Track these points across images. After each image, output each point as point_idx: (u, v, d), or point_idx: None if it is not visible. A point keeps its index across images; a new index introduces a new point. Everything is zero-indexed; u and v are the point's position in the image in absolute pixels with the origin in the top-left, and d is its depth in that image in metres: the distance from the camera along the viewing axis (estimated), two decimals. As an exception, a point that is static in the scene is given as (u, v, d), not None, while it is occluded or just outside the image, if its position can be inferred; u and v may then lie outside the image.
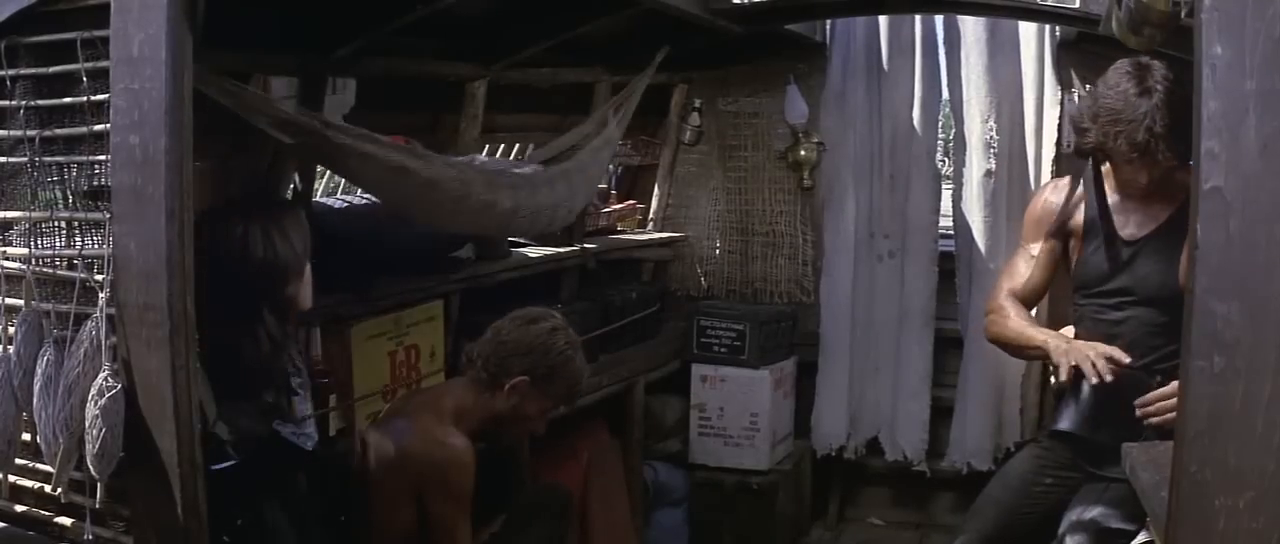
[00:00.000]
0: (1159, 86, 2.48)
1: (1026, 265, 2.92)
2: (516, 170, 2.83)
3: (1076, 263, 2.83)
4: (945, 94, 4.35)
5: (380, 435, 2.68)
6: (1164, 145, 2.46)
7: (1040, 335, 2.78)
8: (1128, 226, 2.73)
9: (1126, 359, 2.56)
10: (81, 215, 1.97)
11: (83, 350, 1.89)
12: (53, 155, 1.99)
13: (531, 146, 3.86)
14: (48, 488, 1.99)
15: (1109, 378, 2.54)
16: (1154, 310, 2.64)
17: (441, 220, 2.75)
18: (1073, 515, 2.70)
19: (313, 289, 2.39)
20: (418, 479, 2.57)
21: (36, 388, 1.93)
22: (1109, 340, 2.63)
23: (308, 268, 2.34)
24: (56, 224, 2.00)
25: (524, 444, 3.50)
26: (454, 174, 2.62)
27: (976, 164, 4.20)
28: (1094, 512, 2.66)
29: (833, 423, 4.48)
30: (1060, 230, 2.87)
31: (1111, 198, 2.76)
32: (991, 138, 4.16)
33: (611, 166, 4.94)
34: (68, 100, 1.95)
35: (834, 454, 4.50)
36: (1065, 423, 2.81)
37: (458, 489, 2.57)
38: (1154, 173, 2.55)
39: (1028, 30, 4.17)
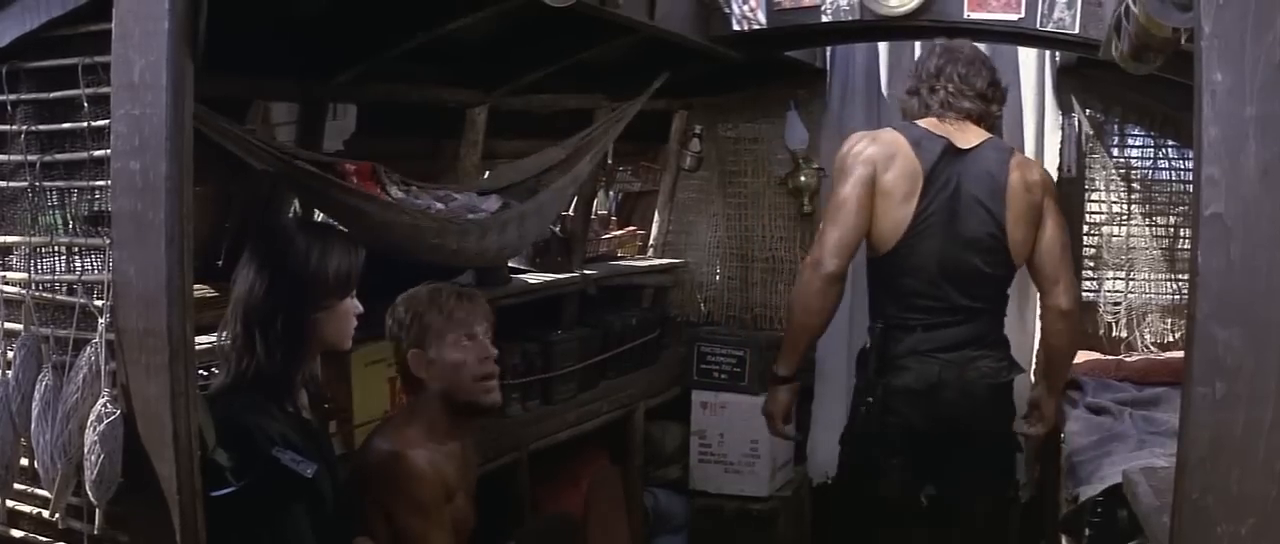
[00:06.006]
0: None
1: None
2: (470, 216, 2.86)
3: None
4: (945, 120, 4.34)
5: (354, 461, 2.67)
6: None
7: None
8: None
9: None
10: (81, 240, 1.97)
11: (82, 375, 1.89)
12: (53, 180, 1.98)
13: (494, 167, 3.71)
14: (46, 513, 1.98)
15: None
16: None
17: (394, 254, 2.76)
18: None
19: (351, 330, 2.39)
20: (381, 497, 2.52)
21: (35, 413, 1.92)
22: None
23: (344, 306, 2.35)
24: (56, 249, 2.00)
25: (524, 471, 3.49)
26: (407, 221, 2.65)
27: (976, 189, 4.17)
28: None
29: (828, 451, 4.42)
30: None
31: None
32: (991, 163, 4.14)
33: (612, 192, 4.95)
34: (68, 126, 1.95)
35: (830, 482, 4.45)
36: None
37: (419, 499, 2.50)
38: None
39: (1027, 56, 4.17)
